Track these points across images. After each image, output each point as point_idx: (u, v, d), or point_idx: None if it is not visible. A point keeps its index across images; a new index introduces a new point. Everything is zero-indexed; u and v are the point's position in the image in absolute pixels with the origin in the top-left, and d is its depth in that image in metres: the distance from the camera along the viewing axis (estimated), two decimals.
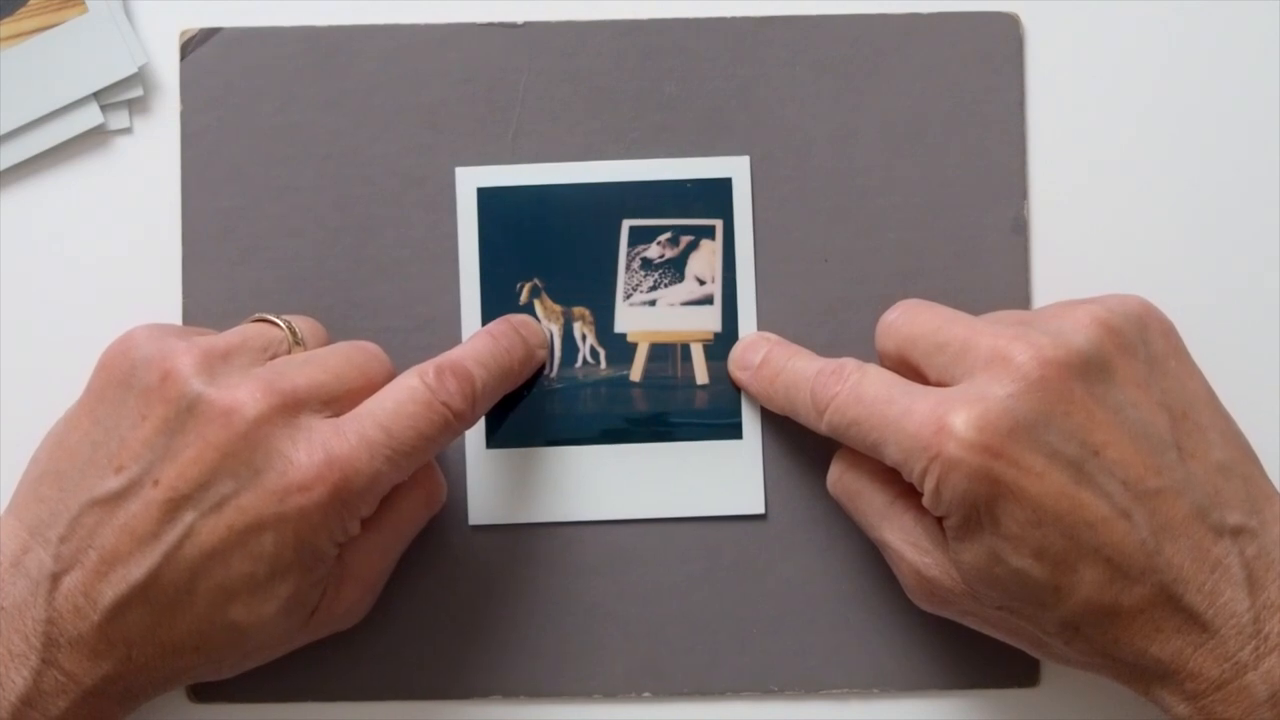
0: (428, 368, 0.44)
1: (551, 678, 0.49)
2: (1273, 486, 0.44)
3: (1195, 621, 0.41)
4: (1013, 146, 0.50)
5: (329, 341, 0.47)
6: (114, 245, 0.50)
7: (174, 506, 0.41)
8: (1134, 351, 0.43)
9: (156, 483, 0.41)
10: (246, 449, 0.41)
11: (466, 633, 0.49)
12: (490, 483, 0.49)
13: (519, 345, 0.47)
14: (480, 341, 0.46)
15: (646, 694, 0.49)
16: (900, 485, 0.45)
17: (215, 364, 0.42)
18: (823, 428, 0.45)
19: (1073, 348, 0.42)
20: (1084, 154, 0.51)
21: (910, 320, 0.45)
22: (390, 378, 0.45)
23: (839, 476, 0.47)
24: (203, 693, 0.49)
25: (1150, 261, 0.50)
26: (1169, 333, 0.44)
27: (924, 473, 0.42)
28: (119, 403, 0.43)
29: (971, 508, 0.41)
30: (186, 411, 0.41)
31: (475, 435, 0.49)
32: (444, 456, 0.49)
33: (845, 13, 0.50)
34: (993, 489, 0.41)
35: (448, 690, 0.49)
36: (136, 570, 0.41)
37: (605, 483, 0.49)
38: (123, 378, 0.43)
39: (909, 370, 0.45)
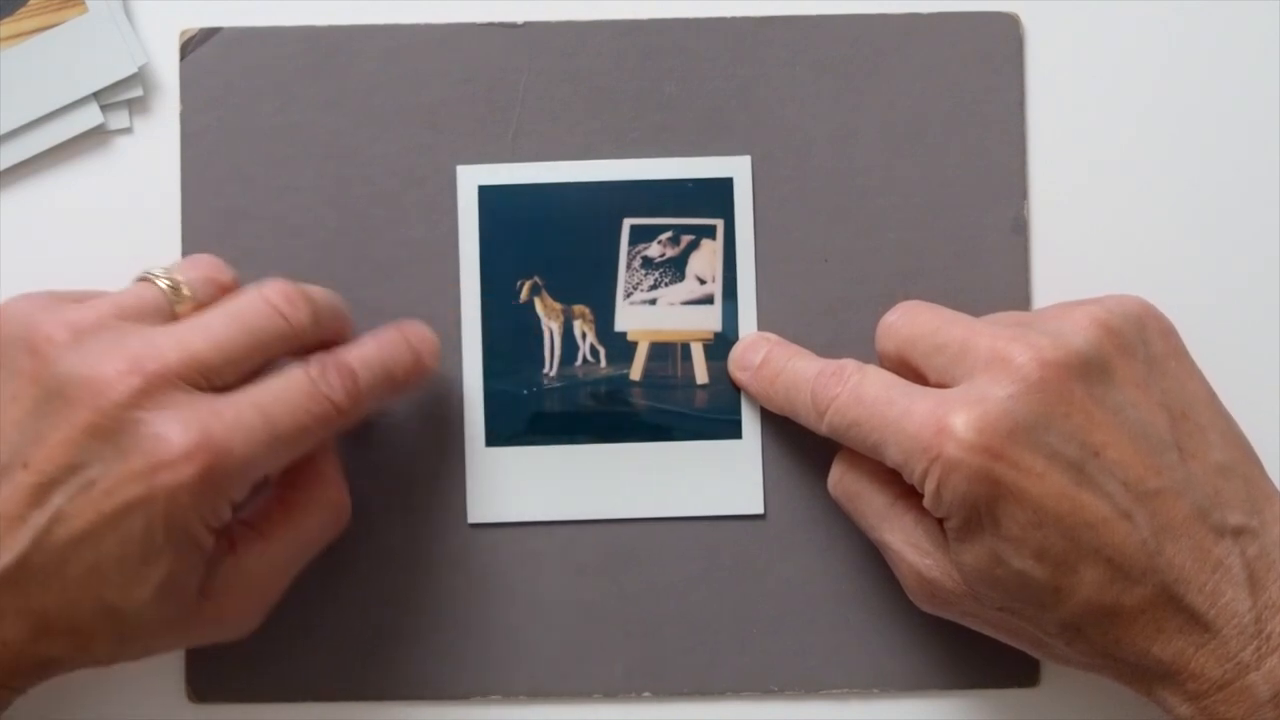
0: (311, 360, 0.43)
1: (551, 678, 0.49)
2: (1273, 486, 0.44)
3: (1197, 622, 0.41)
4: (1013, 146, 0.50)
5: (231, 286, 0.45)
6: (114, 245, 0.50)
7: (42, 490, 0.40)
8: (1133, 352, 0.43)
9: (25, 465, 0.40)
10: (115, 430, 0.40)
11: (466, 633, 0.49)
12: (490, 481, 0.49)
13: (404, 352, 0.46)
14: (365, 344, 0.45)
15: (646, 694, 0.49)
16: (901, 486, 0.45)
17: (85, 340, 0.41)
18: (823, 429, 0.45)
19: (1072, 349, 0.42)
20: (1084, 154, 0.51)
21: (910, 321, 0.45)
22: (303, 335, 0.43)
23: (839, 478, 0.47)
24: (203, 693, 0.49)
25: (1150, 261, 0.50)
26: (1168, 333, 0.44)
27: (924, 474, 0.42)
28: None
29: (972, 509, 0.41)
30: (56, 393, 0.40)
31: (475, 433, 0.49)
32: (443, 453, 0.49)
33: (845, 13, 0.50)
34: (993, 490, 0.41)
35: (448, 690, 0.49)
36: (6, 554, 0.40)
37: (605, 482, 0.49)
38: None
39: (909, 371, 0.45)
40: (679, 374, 0.50)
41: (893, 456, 0.43)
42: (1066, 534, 0.41)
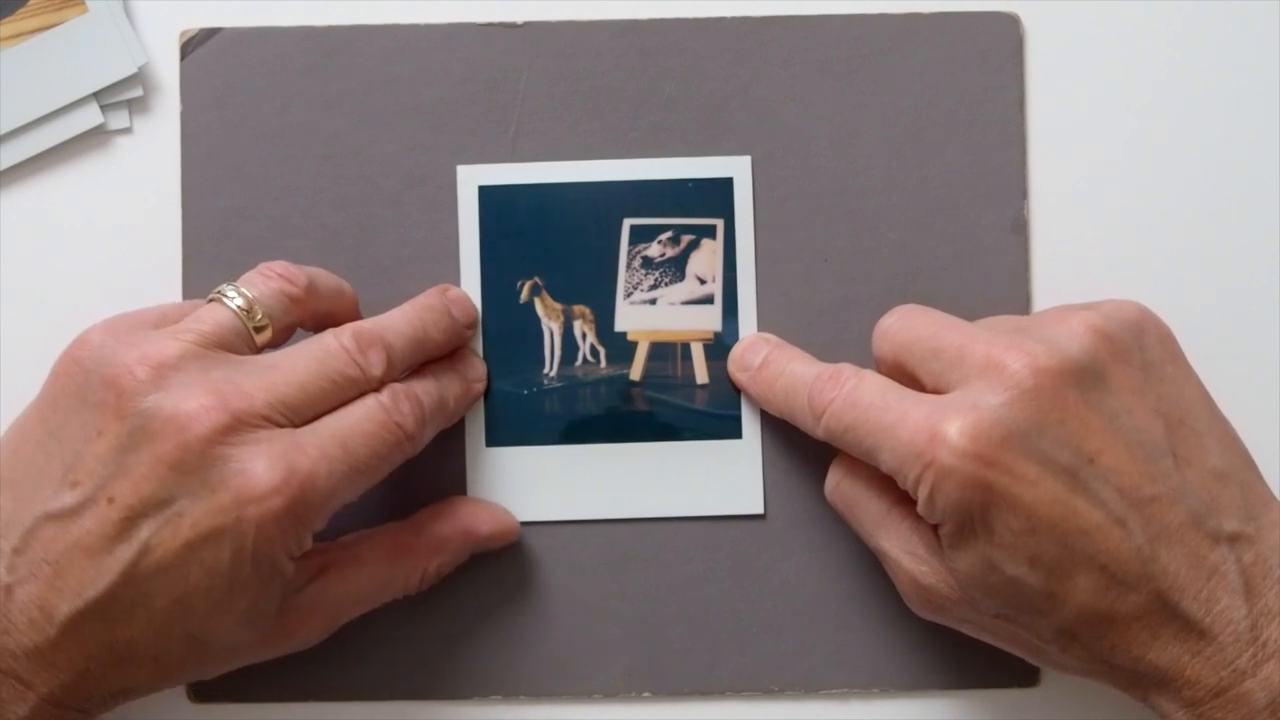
0: (383, 391, 0.44)
1: (551, 678, 0.49)
2: (1270, 492, 0.44)
3: (1192, 629, 0.41)
4: (1013, 146, 0.50)
5: (303, 298, 0.46)
6: (114, 245, 0.50)
7: (129, 524, 0.41)
8: (1129, 358, 0.43)
9: (111, 500, 0.41)
10: (201, 465, 0.40)
11: (467, 633, 0.49)
12: (490, 481, 0.49)
13: (457, 383, 0.48)
14: (424, 376, 0.47)
15: (646, 694, 0.49)
16: (897, 493, 0.45)
17: (168, 375, 0.41)
18: (819, 432, 0.45)
19: (1067, 356, 0.42)
20: (1084, 154, 0.51)
21: (906, 326, 0.45)
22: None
23: (836, 484, 0.47)
24: (203, 693, 0.49)
25: (1150, 261, 0.50)
26: (1166, 338, 0.44)
27: (917, 480, 0.42)
28: (72, 413, 0.42)
29: (965, 515, 0.41)
30: (140, 429, 0.41)
31: (475, 434, 0.49)
32: (443, 453, 0.49)
33: (845, 13, 0.50)
34: (986, 497, 0.41)
35: (448, 690, 0.49)
36: (92, 588, 0.41)
37: (605, 482, 0.49)
38: (76, 389, 0.42)
39: (905, 376, 0.45)
40: (679, 374, 0.50)
41: (887, 462, 0.43)
42: (1060, 541, 0.41)
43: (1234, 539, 0.42)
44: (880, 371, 0.45)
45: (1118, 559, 0.41)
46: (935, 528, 0.43)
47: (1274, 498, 0.44)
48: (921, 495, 0.42)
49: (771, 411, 0.48)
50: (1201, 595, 0.41)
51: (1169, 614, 0.41)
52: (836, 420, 0.44)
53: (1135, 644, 0.41)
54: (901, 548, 0.45)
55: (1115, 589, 0.41)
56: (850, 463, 0.46)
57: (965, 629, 0.45)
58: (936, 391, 0.43)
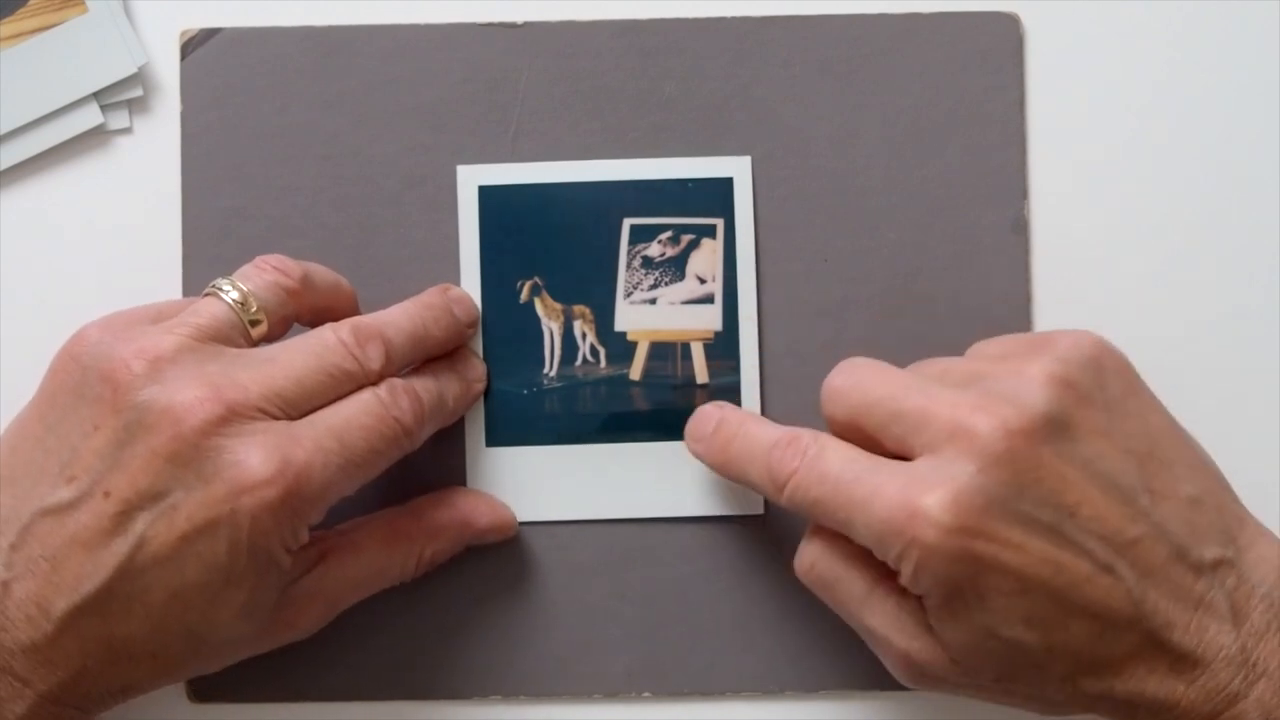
0: (381, 385, 0.44)
1: (551, 678, 0.49)
2: (1243, 507, 0.43)
3: (1186, 659, 0.41)
4: (1013, 146, 0.50)
5: (298, 290, 0.46)
6: (114, 245, 0.50)
7: (124, 517, 0.41)
8: (1092, 401, 0.42)
9: (107, 494, 0.41)
10: (196, 456, 0.40)
11: (466, 633, 0.49)
12: (490, 481, 0.49)
13: (456, 382, 0.48)
14: (423, 372, 0.47)
15: (646, 694, 0.49)
16: (878, 567, 0.43)
17: (164, 368, 0.41)
18: (782, 502, 0.44)
19: (1035, 412, 0.41)
20: (1084, 154, 0.51)
21: (859, 386, 0.44)
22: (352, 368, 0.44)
23: (811, 565, 0.45)
24: (203, 693, 0.49)
25: (1150, 261, 0.50)
26: (1122, 369, 0.44)
27: (899, 557, 0.41)
28: (70, 409, 0.42)
29: (954, 588, 0.41)
30: (136, 422, 0.41)
31: (475, 434, 0.49)
32: (443, 453, 0.49)
33: (845, 13, 0.50)
34: (974, 568, 0.40)
35: (447, 690, 0.49)
36: (89, 583, 0.41)
37: (605, 482, 0.49)
38: (73, 385, 0.42)
39: (863, 438, 0.43)
40: (679, 374, 0.50)
41: (862, 536, 0.42)
42: (1052, 597, 0.40)
43: (1216, 566, 0.42)
44: (834, 432, 0.44)
45: (1109, 606, 0.41)
46: (920, 599, 0.42)
47: (1247, 512, 0.43)
48: (905, 571, 0.41)
49: (731, 479, 0.47)
50: (1192, 627, 0.41)
51: (1162, 649, 0.41)
52: (802, 494, 0.43)
53: (1132, 680, 0.41)
54: (891, 625, 0.43)
55: (1110, 633, 0.41)
56: (823, 543, 0.44)
57: (960, 694, 0.44)
58: (900, 455, 0.42)
